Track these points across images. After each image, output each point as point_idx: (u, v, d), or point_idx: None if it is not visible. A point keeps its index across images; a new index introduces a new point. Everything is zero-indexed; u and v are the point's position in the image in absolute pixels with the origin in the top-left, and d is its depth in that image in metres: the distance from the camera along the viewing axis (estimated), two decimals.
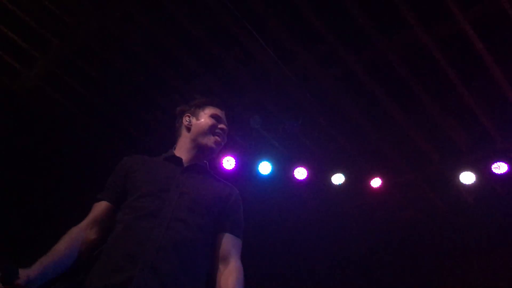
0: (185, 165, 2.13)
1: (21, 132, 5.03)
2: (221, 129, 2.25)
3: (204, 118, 2.24)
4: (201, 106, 2.29)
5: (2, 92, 5.04)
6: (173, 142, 2.28)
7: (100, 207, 2.04)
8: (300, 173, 5.34)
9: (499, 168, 4.88)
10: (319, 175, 5.33)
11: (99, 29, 4.46)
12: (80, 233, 1.93)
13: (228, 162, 5.26)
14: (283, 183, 5.34)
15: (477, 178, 4.96)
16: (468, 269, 6.07)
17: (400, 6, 3.85)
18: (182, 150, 2.20)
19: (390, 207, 5.60)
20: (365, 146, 5.27)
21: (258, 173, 5.26)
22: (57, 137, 5.28)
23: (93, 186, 5.36)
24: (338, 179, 5.41)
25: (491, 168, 4.89)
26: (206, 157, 2.23)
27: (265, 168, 5.26)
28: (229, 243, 1.99)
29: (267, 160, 5.26)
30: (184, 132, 2.25)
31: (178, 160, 2.14)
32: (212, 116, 2.26)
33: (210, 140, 2.20)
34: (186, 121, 2.25)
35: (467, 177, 5.00)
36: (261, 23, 4.19)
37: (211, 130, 2.22)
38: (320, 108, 4.97)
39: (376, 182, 5.31)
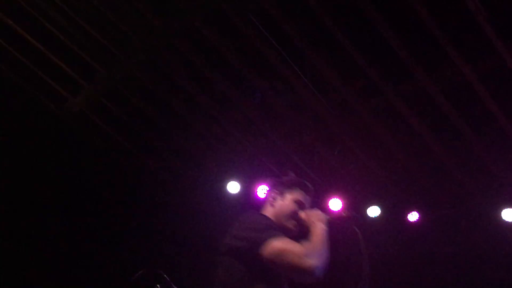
0: None
1: (64, 156, 5.18)
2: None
3: (288, 201, 2.39)
4: (290, 186, 2.42)
5: (47, 117, 5.23)
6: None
7: None
8: (335, 204, 5.28)
9: None
10: (355, 207, 5.27)
11: (145, 60, 4.60)
12: None
13: (263, 191, 5.26)
14: None
15: None
16: None
17: (441, 40, 3.84)
18: None
19: (428, 242, 5.46)
20: (402, 178, 5.21)
21: None
22: (99, 162, 5.42)
23: (133, 213, 5.45)
24: (374, 211, 5.34)
25: None
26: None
27: None
28: None
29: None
30: (268, 206, 2.41)
31: None
32: (296, 201, 2.38)
33: (290, 224, 2.35)
34: (272, 197, 2.41)
35: (510, 214, 4.85)
36: (299, 53, 4.25)
37: (292, 215, 2.35)
38: (357, 139, 4.96)
39: (413, 216, 5.22)
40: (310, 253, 2.08)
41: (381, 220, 5.36)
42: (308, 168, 5.32)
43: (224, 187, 5.38)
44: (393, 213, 5.24)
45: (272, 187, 2.46)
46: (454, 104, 4.39)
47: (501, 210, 4.88)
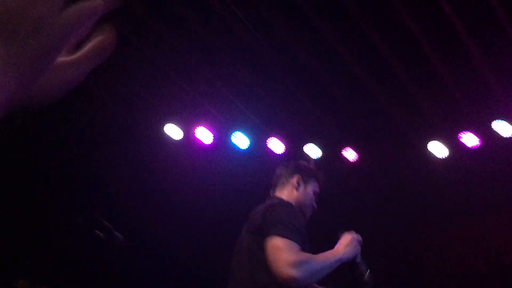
0: None
1: None
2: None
3: (310, 190, 2.53)
4: (313, 177, 2.56)
5: None
6: None
7: None
8: (276, 145, 5.35)
9: (467, 139, 5.04)
10: (294, 147, 5.36)
11: None
12: None
13: (203, 134, 5.22)
14: (260, 155, 5.34)
15: (447, 148, 5.12)
16: (437, 239, 6.28)
17: None
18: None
19: (363, 178, 5.68)
20: (339, 117, 5.32)
21: (234, 146, 5.25)
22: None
23: (68, 158, 5.23)
24: (313, 150, 5.46)
25: (459, 139, 5.05)
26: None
27: (241, 140, 5.25)
28: None
29: (243, 132, 5.24)
30: (292, 188, 2.50)
31: None
32: (314, 193, 2.54)
33: (309, 211, 2.50)
34: (297, 182, 2.50)
35: (436, 147, 5.14)
36: None
37: (311, 203, 2.52)
38: (296, 79, 4.97)
39: (350, 153, 5.39)
40: (301, 264, 2.03)
41: (320, 159, 5.50)
42: (249, 110, 5.30)
43: (162, 130, 5.28)
44: (331, 152, 5.38)
45: (300, 172, 2.53)
46: (390, 45, 4.46)
47: (428, 144, 5.16)
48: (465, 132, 4.98)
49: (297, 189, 2.48)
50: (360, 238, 2.32)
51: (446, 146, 5.12)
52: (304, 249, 2.15)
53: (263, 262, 2.10)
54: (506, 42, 4.30)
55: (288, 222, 2.16)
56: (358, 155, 5.41)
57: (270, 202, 2.37)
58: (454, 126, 5.05)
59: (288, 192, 2.48)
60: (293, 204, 2.39)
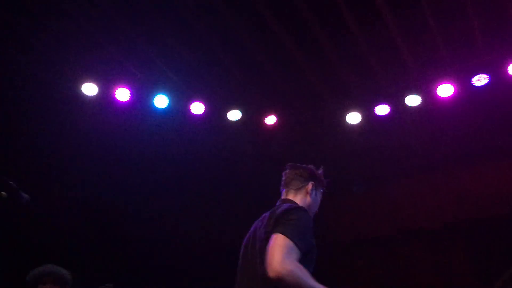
0: None
1: None
2: None
3: (319, 198, 2.71)
4: (322, 186, 2.73)
5: None
6: None
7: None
8: (196, 107, 5.30)
9: (382, 109, 5.28)
10: (216, 111, 5.34)
11: None
12: None
13: (123, 94, 5.06)
14: (179, 117, 5.27)
15: (362, 117, 5.34)
16: (349, 204, 6.60)
17: None
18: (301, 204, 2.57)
19: (282, 143, 5.80)
20: (262, 82, 5.35)
21: (153, 107, 5.14)
22: None
23: None
24: (234, 115, 5.47)
25: (374, 110, 5.28)
26: None
27: (161, 101, 5.14)
28: None
29: (163, 92, 5.13)
30: (305, 193, 2.63)
31: None
32: (321, 200, 2.72)
33: (313, 216, 2.60)
34: (310, 188, 2.64)
35: (353, 115, 5.34)
36: None
37: (316, 210, 2.70)
38: (220, 42, 4.91)
39: (271, 119, 5.47)
40: (292, 269, 2.05)
41: (241, 124, 5.53)
42: (170, 71, 5.19)
43: (78, 88, 5.04)
44: (252, 116, 5.42)
45: (314, 179, 2.67)
46: (314, 12, 4.51)
47: (346, 114, 5.32)
48: (379, 102, 5.22)
49: (310, 195, 2.64)
50: None
51: (361, 115, 5.34)
52: (311, 253, 2.27)
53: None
54: (420, 15, 4.49)
55: (301, 228, 2.23)
56: (278, 120, 5.50)
57: (288, 206, 2.41)
58: (370, 96, 5.27)
59: (301, 197, 2.62)
60: (307, 207, 2.57)
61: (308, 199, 2.63)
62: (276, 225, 2.22)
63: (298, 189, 2.64)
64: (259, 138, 5.68)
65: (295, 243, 2.13)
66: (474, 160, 5.91)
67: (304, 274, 2.08)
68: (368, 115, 5.32)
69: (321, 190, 2.73)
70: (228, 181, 6.12)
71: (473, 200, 6.02)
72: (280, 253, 2.07)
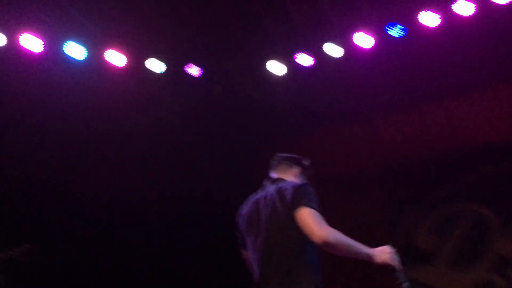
0: None
1: None
2: None
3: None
4: (307, 175, 2.88)
5: None
6: None
7: None
8: (116, 57, 5.02)
9: (304, 59, 5.31)
10: (136, 60, 5.10)
11: None
12: None
13: (33, 42, 4.67)
14: (98, 68, 4.99)
15: (286, 68, 5.35)
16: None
17: None
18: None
19: (206, 94, 5.72)
20: (184, 31, 5.18)
21: (68, 56, 4.81)
22: None
23: None
24: (156, 66, 5.27)
25: (295, 59, 5.30)
26: None
27: (76, 50, 4.81)
28: None
29: (78, 41, 4.79)
30: (293, 176, 2.81)
31: None
32: None
33: None
34: (299, 173, 2.84)
35: (275, 65, 5.34)
36: None
37: None
38: None
39: (194, 70, 5.35)
40: (331, 230, 2.35)
41: (164, 75, 5.36)
42: (87, 20, 4.86)
43: None
44: (174, 66, 5.26)
45: (301, 166, 2.87)
46: None
47: (267, 61, 5.31)
48: (300, 52, 5.25)
49: (298, 179, 2.79)
50: (397, 256, 2.54)
51: (284, 64, 5.36)
52: None
53: (294, 230, 2.40)
54: None
55: (317, 200, 2.48)
56: (202, 70, 5.39)
57: (298, 183, 2.62)
58: (291, 46, 5.29)
59: (292, 179, 2.76)
60: None
61: (296, 181, 2.75)
62: (297, 200, 2.45)
63: (287, 172, 2.83)
64: (182, 89, 5.55)
65: (320, 212, 2.41)
66: (393, 110, 6.20)
67: (339, 233, 2.37)
68: (291, 65, 5.34)
69: (306, 178, 2.87)
70: (153, 136, 5.90)
71: (390, 148, 6.32)
72: (316, 222, 2.36)
